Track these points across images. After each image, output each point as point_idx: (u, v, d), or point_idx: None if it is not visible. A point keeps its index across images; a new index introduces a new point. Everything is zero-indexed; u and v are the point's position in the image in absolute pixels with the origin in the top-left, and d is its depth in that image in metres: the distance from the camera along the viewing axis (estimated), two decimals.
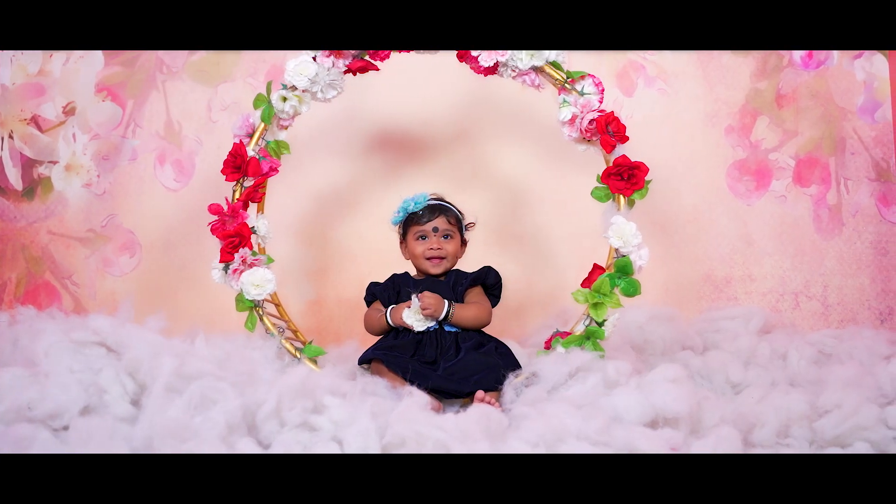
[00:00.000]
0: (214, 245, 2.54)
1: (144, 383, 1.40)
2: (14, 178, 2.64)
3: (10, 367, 1.41)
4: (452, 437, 1.35)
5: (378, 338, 1.96)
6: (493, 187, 2.60)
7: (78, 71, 2.65)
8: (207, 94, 2.64)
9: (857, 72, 2.58)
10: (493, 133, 2.62)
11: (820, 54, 2.58)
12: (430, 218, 1.97)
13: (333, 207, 2.62)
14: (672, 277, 2.56)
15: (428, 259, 1.96)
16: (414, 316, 1.86)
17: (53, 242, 2.63)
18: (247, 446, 1.31)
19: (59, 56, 2.65)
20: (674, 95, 2.61)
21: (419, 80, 2.54)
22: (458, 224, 2.00)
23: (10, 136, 2.63)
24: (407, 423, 1.38)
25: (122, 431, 1.26)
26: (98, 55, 2.64)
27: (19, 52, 2.63)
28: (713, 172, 2.59)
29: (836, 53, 2.59)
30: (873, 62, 2.57)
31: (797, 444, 1.60)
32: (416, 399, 1.49)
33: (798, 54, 2.59)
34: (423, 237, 1.97)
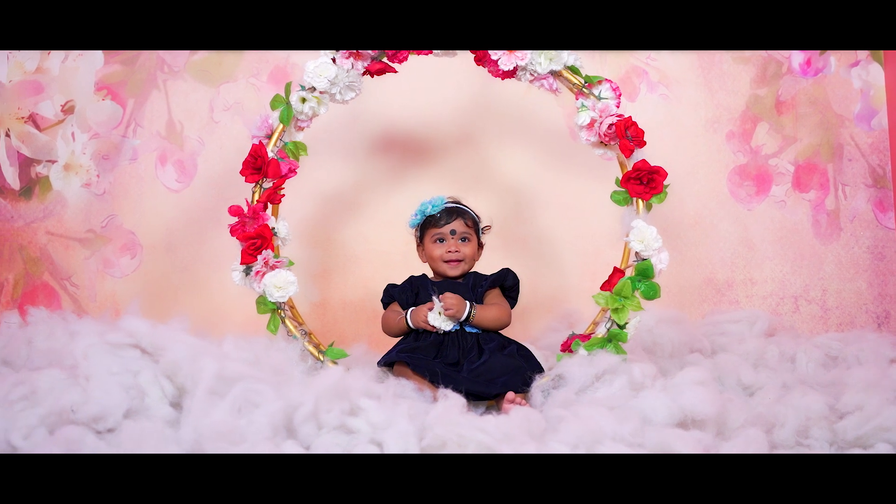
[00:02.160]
0: (217, 246, 2.53)
1: (183, 386, 1.38)
2: (11, 177, 2.59)
3: (47, 370, 1.38)
4: (495, 439, 1.35)
5: (396, 339, 1.96)
6: (497, 190, 2.61)
7: (77, 69, 2.61)
8: (209, 94, 2.62)
9: (853, 80, 2.63)
10: (497, 136, 2.63)
11: (818, 62, 2.63)
12: (448, 221, 1.96)
13: (338, 209, 2.61)
14: (675, 281, 2.58)
15: (446, 262, 1.96)
16: (439, 317, 1.85)
17: (52, 243, 2.59)
18: (292, 448, 1.30)
19: (57, 54, 2.60)
20: (676, 101, 2.64)
21: (424, 83, 2.55)
22: (475, 227, 2.00)
23: (7, 135, 2.59)
24: (447, 425, 1.38)
25: (169, 434, 1.25)
26: (98, 53, 2.60)
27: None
28: (714, 177, 2.62)
29: (833, 61, 2.63)
30: (869, 70, 2.62)
31: (817, 445, 1.62)
32: (454, 401, 1.49)
33: (797, 62, 2.63)
34: (441, 240, 1.97)
